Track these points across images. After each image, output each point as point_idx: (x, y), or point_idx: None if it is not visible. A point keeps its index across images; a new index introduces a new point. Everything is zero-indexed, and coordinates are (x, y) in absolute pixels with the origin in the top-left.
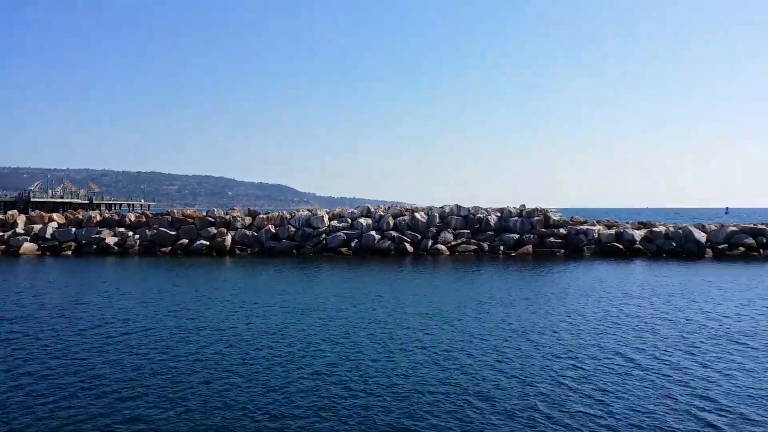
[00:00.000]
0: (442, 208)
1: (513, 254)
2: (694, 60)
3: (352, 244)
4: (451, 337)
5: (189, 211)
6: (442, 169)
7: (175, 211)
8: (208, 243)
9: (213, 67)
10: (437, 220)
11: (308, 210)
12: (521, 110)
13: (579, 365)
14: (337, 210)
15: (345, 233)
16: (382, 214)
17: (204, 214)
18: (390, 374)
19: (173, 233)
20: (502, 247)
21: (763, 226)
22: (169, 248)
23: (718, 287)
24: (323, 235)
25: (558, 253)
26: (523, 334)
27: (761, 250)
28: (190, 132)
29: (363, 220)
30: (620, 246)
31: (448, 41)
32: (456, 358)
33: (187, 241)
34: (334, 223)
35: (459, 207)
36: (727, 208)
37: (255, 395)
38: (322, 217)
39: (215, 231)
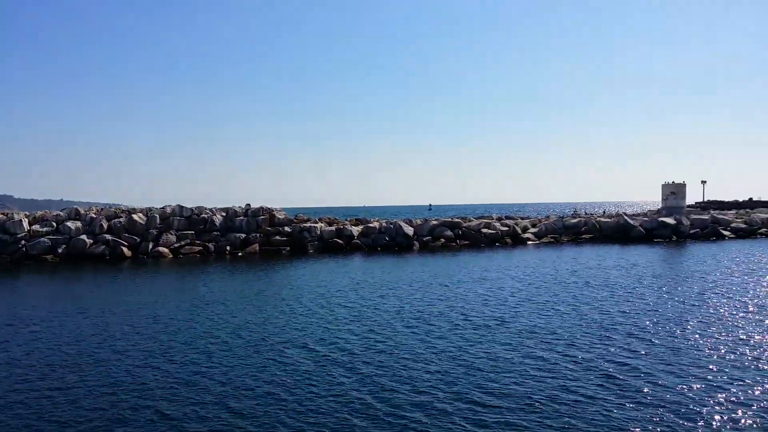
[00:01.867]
0: (163, 208)
1: (240, 254)
2: None
3: (59, 249)
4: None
5: None
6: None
7: None
8: None
9: None
10: (158, 221)
11: (2, 213)
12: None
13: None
14: (39, 213)
15: (50, 239)
16: (94, 216)
17: None
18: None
19: None
20: (228, 247)
21: (458, 220)
22: None
23: (418, 275)
24: (22, 242)
25: (284, 251)
26: (227, 333)
27: (457, 241)
28: None
29: (71, 224)
30: (341, 242)
31: None
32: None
33: None
34: (36, 227)
35: (182, 207)
36: (430, 205)
37: None
38: (20, 221)
39: None
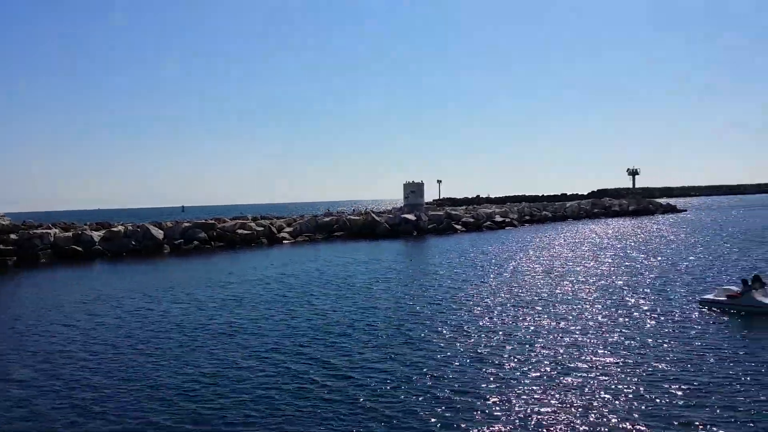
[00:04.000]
0: None
1: None
2: None
3: None
4: None
5: None
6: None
7: None
8: None
9: None
10: None
11: None
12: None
13: None
14: None
15: None
16: None
17: None
18: None
19: None
20: None
21: (213, 221)
22: None
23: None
24: None
25: (10, 262)
26: None
27: (212, 243)
28: None
29: None
30: (79, 249)
31: None
32: None
33: None
34: None
35: None
36: (183, 206)
37: None
38: None
39: None
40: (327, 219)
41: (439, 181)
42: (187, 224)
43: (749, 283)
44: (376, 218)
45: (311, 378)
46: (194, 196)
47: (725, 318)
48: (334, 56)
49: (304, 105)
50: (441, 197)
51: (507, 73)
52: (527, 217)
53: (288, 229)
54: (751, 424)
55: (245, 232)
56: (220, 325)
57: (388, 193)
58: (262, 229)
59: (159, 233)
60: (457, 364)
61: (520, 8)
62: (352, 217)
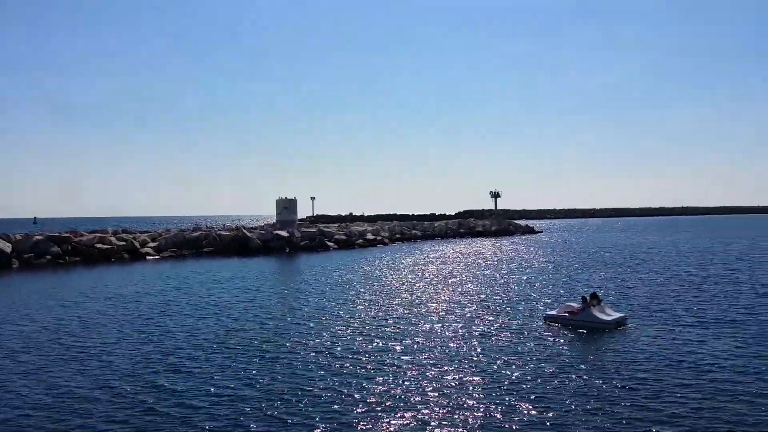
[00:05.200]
0: None
1: None
2: None
3: None
4: None
5: None
6: None
7: None
8: None
9: None
10: None
11: None
12: None
13: None
14: None
15: None
16: None
17: None
18: None
19: None
20: None
21: (68, 235)
22: None
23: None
24: None
25: None
26: None
27: (67, 258)
28: None
29: None
30: None
31: None
32: None
33: None
34: None
35: None
36: (35, 218)
37: None
38: None
39: None
40: (195, 234)
41: (312, 198)
42: (39, 237)
43: (588, 300)
44: (248, 234)
45: (151, 406)
46: (56, 208)
47: (566, 332)
48: (216, 68)
49: (190, 113)
50: (314, 214)
51: (378, 92)
52: (398, 236)
53: (152, 244)
54: (584, 424)
55: (104, 246)
56: (60, 349)
57: (268, 209)
58: (124, 243)
59: (6, 246)
60: (314, 384)
61: (364, 28)
62: (222, 232)
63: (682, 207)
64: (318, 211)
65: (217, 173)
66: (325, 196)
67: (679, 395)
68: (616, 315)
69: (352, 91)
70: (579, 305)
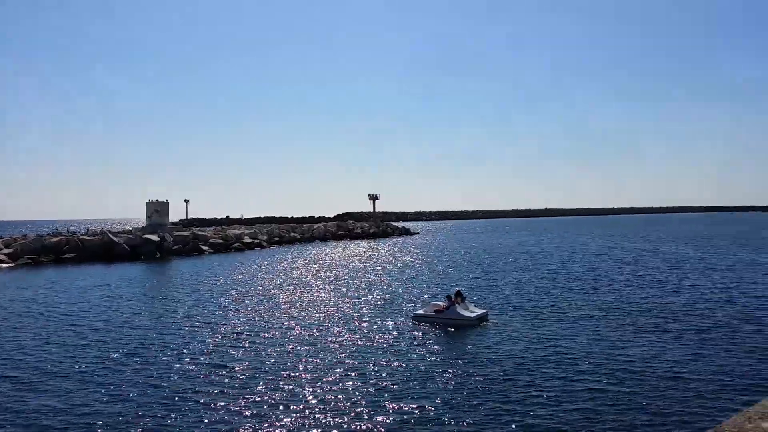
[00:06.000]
0: None
1: None
2: None
3: None
4: None
5: None
6: None
7: None
8: None
9: None
10: None
11: None
12: None
13: None
14: None
15: None
16: None
17: None
18: None
19: None
20: None
21: None
22: None
23: None
24: None
25: None
26: None
27: None
28: None
29: None
30: None
31: None
32: None
33: None
34: None
35: None
36: None
37: None
38: None
39: None
40: (55, 239)
41: (186, 201)
42: None
43: (453, 298)
44: (114, 239)
45: None
46: None
47: (432, 329)
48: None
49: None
50: (189, 217)
51: (258, 93)
52: (276, 239)
53: (6, 251)
54: (452, 417)
55: None
56: None
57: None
58: None
59: None
60: (183, 395)
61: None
62: (85, 237)
63: (546, 209)
64: (193, 215)
65: (90, 177)
66: (201, 199)
67: (540, 385)
68: (479, 311)
69: (228, 91)
70: (445, 303)
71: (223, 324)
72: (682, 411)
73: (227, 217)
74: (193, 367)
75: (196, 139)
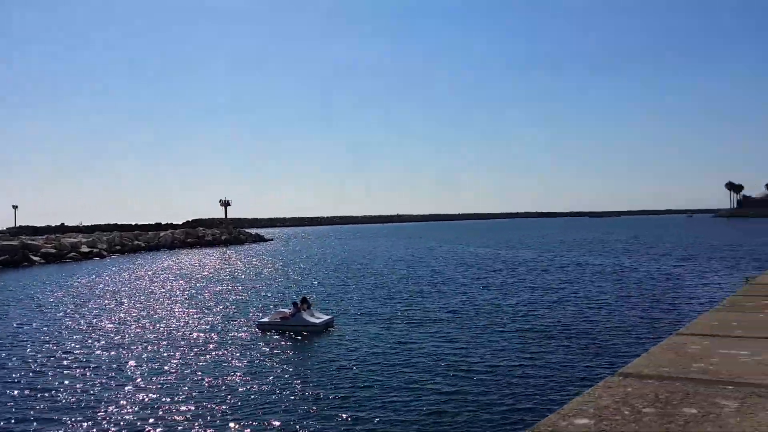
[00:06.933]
0: None
1: None
2: None
3: None
4: None
5: None
6: None
7: None
8: None
9: None
10: None
11: None
12: None
13: None
14: None
15: None
16: None
17: None
18: None
19: None
20: None
21: None
22: None
23: None
24: None
25: None
26: None
27: None
28: None
29: None
30: None
31: None
32: None
33: None
34: None
35: None
36: None
37: None
38: None
39: None
40: None
41: (14, 207)
42: None
43: (299, 305)
44: None
45: None
46: None
47: (277, 337)
48: None
49: None
50: (18, 225)
51: (95, 93)
52: (118, 247)
53: None
54: (301, 424)
55: None
56: None
57: None
58: None
59: None
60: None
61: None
62: None
63: (398, 215)
64: (23, 222)
65: None
66: (32, 205)
67: (383, 386)
68: (325, 317)
69: (62, 92)
70: (290, 310)
71: (48, 344)
72: (515, 409)
73: (62, 224)
74: (9, 391)
75: (27, 138)
